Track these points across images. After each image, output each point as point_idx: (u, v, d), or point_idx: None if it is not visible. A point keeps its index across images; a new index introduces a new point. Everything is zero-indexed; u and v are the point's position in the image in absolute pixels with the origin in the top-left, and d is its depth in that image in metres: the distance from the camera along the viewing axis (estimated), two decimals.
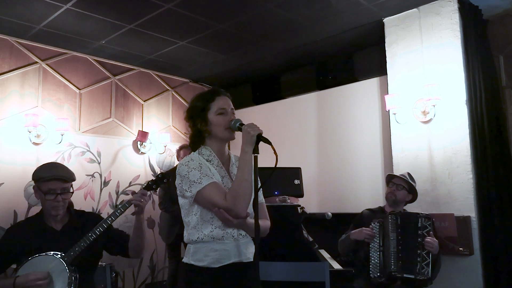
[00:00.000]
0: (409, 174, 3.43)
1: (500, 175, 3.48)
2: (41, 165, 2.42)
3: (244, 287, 1.88)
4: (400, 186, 3.32)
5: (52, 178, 2.30)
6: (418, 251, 2.98)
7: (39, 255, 2.23)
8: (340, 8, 3.98)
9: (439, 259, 3.08)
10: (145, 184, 2.41)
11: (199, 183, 1.81)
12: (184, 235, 1.95)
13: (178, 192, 1.92)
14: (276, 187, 3.81)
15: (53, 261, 2.22)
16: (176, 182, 1.91)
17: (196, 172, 1.83)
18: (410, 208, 3.50)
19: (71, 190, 2.40)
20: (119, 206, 2.36)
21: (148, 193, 2.39)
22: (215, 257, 1.83)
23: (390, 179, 3.42)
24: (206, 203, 1.82)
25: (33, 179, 2.37)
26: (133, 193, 2.37)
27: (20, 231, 2.37)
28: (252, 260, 1.92)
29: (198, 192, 1.81)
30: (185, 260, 1.91)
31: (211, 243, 1.83)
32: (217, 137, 1.95)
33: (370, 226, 3.14)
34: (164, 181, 2.40)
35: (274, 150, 1.75)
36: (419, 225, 3.04)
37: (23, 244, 2.28)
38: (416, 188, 3.39)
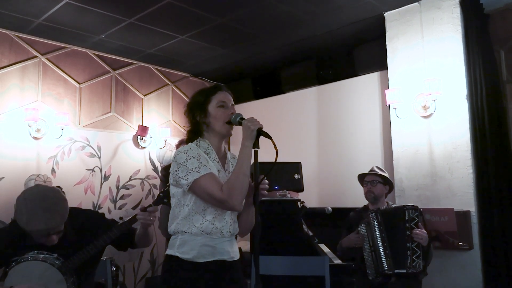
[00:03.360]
0: (377, 167, 3.45)
1: (500, 170, 3.48)
2: (23, 201, 1.99)
3: (226, 286, 1.87)
4: (374, 182, 3.34)
5: (40, 235, 2.00)
6: (408, 244, 2.94)
7: (29, 260, 2.04)
8: (340, 2, 3.96)
9: (430, 250, 3.06)
10: (155, 199, 2.23)
11: (197, 171, 1.80)
12: (170, 226, 1.92)
13: (171, 180, 1.90)
14: (276, 181, 3.81)
15: (48, 269, 2.04)
16: (171, 169, 1.89)
17: (195, 161, 1.83)
18: (410, 202, 3.51)
19: (62, 228, 2.08)
20: (125, 221, 2.23)
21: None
22: (201, 252, 1.83)
23: (362, 178, 3.44)
24: (201, 193, 1.82)
25: (15, 218, 2.04)
26: (143, 209, 2.17)
27: (5, 243, 2.11)
28: (236, 259, 1.93)
29: (195, 181, 1.80)
30: (169, 252, 1.89)
31: (199, 237, 1.83)
32: (215, 131, 1.95)
33: (358, 229, 3.14)
34: None
35: (274, 145, 1.75)
36: (407, 217, 3.00)
37: (9, 257, 2.07)
38: (389, 176, 3.42)
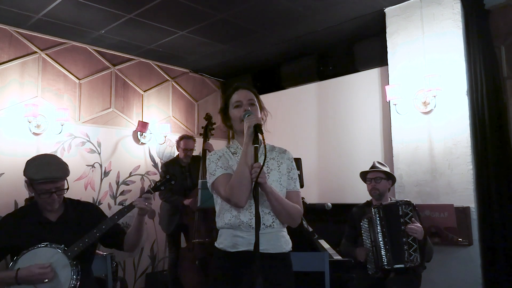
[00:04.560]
0: (378, 162, 3.46)
1: (500, 166, 3.48)
2: (32, 160, 2.29)
3: (254, 276, 1.87)
4: (378, 179, 3.34)
5: (44, 181, 2.20)
6: (404, 239, 2.99)
7: (39, 247, 2.18)
8: None
9: (427, 244, 3.09)
10: (153, 186, 2.42)
11: (213, 174, 1.96)
12: None
13: None
14: None
15: (55, 255, 2.18)
16: None
17: (213, 165, 1.99)
18: (410, 198, 3.51)
19: (66, 186, 2.31)
20: (126, 205, 2.35)
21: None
22: (231, 242, 1.93)
23: (364, 175, 3.45)
24: (217, 192, 1.97)
25: (24, 175, 2.26)
26: (140, 196, 2.33)
27: (15, 222, 2.30)
28: (271, 252, 1.94)
29: (212, 183, 1.97)
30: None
31: (230, 229, 1.95)
32: (237, 130, 2.07)
33: (360, 224, 3.18)
34: (172, 182, 2.44)
35: (263, 141, 1.82)
36: (400, 213, 3.06)
37: (19, 235, 2.23)
38: (394, 172, 3.47)
